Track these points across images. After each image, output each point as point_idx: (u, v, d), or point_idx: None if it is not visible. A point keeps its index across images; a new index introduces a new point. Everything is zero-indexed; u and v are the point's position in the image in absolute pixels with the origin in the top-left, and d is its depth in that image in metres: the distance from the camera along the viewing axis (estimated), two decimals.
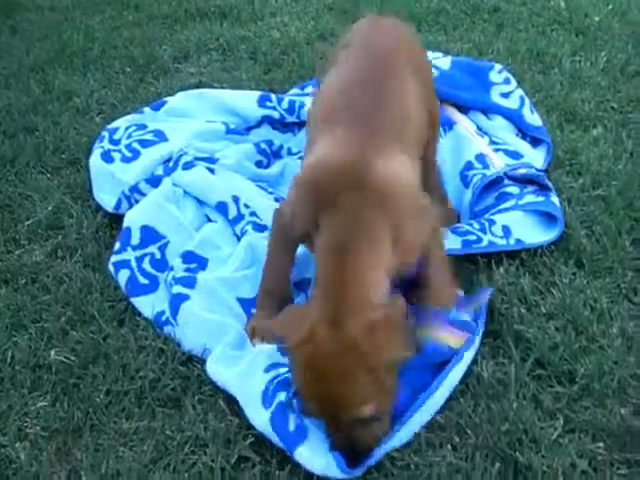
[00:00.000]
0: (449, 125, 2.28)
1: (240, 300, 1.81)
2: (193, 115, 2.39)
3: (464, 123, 2.32)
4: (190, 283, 1.81)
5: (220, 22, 3.41)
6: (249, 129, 2.38)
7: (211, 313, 1.75)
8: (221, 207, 1.99)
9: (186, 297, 1.78)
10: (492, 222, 1.97)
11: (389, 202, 1.57)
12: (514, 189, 2.09)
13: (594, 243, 2.01)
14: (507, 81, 2.48)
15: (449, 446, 1.56)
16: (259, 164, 2.20)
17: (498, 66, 2.53)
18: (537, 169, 2.17)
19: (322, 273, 1.54)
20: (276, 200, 2.05)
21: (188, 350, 1.74)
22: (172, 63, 3.05)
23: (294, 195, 1.69)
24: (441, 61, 2.56)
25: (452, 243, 1.90)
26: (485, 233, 1.94)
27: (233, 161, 2.16)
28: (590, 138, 2.42)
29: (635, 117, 2.54)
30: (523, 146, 2.27)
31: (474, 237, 1.92)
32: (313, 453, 1.47)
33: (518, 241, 1.95)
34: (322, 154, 1.65)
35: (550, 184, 2.13)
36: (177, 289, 1.80)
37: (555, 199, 2.07)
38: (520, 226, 1.98)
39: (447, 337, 1.70)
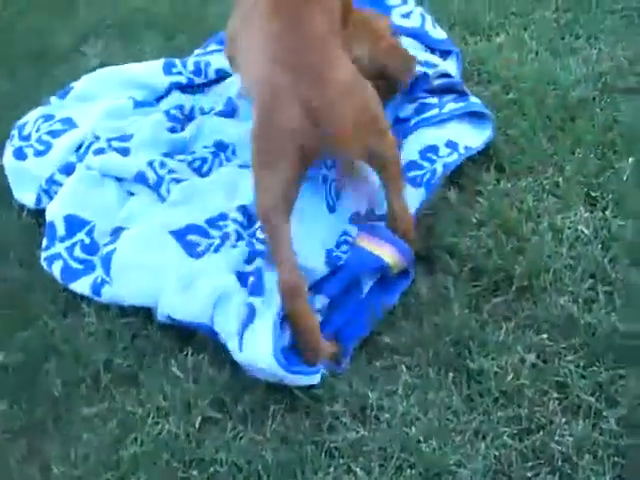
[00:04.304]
0: None
1: (174, 233, 1.83)
2: (100, 96, 2.32)
3: None
4: (116, 239, 1.86)
5: None
6: (159, 99, 2.35)
7: (145, 253, 1.78)
8: (140, 177, 1.97)
9: (114, 251, 1.82)
10: (436, 149, 1.99)
11: None
12: (433, 99, 2.12)
13: (512, 146, 2.06)
14: (404, 1, 2.48)
15: (403, 367, 1.61)
16: (173, 130, 2.17)
17: None
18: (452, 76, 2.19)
19: None
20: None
21: (133, 305, 1.76)
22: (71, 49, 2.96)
23: None
24: None
25: (415, 197, 1.89)
26: (435, 162, 1.96)
27: (148, 133, 2.13)
28: (494, 46, 2.45)
29: (535, 17, 2.57)
30: (434, 58, 2.27)
31: (428, 175, 1.93)
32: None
33: (467, 148, 1.99)
34: None
35: (467, 89, 2.16)
36: (106, 249, 1.85)
37: (475, 99, 2.11)
38: (460, 133, 2.02)
39: (386, 254, 1.74)
